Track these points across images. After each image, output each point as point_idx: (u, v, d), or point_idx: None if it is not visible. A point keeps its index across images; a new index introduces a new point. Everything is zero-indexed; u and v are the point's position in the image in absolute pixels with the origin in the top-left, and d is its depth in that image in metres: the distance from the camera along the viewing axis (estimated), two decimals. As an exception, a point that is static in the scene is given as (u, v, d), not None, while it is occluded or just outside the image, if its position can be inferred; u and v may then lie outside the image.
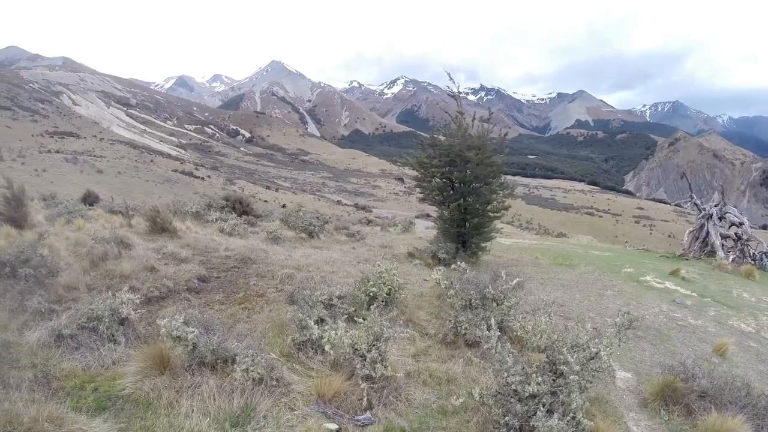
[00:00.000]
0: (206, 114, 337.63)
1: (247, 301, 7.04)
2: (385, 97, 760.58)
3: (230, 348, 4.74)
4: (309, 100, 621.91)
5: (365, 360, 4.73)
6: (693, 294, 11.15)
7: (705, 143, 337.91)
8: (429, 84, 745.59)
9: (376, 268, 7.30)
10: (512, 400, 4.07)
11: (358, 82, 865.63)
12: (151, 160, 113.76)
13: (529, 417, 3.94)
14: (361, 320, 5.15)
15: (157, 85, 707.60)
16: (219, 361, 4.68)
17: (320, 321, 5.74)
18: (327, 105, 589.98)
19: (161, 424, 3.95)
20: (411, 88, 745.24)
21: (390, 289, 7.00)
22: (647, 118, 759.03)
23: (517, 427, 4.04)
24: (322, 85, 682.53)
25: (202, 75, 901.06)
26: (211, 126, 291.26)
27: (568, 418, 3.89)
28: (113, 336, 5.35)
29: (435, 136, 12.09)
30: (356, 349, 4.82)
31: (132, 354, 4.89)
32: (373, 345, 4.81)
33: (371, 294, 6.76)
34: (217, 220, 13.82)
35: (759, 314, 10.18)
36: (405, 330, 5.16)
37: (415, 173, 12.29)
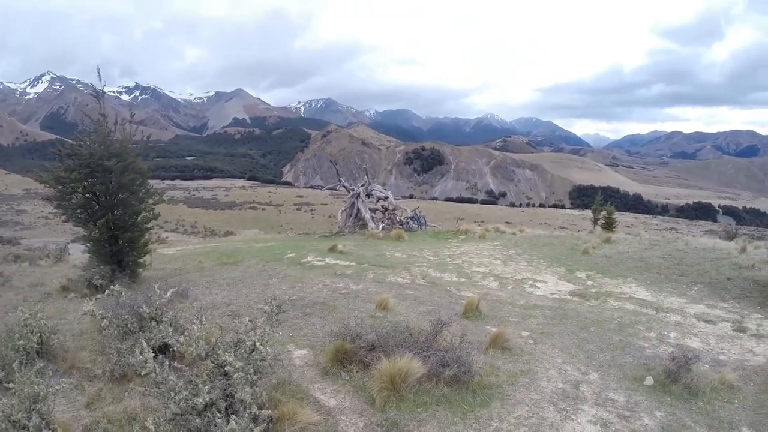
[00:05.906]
0: None
1: None
2: (27, 97, 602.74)
3: None
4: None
5: (28, 431, 3.98)
6: (352, 263, 12.82)
7: (354, 133, 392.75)
8: (78, 81, 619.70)
9: (19, 315, 6.13)
10: (190, 416, 3.98)
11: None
12: None
13: (210, 427, 3.93)
14: (12, 384, 4.29)
15: None
16: None
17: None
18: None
19: None
20: (58, 86, 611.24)
21: (40, 336, 5.95)
22: (302, 114, 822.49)
23: (203, 441, 3.97)
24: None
25: None
26: None
27: (246, 414, 4.01)
28: None
29: (74, 143, 10.52)
30: (14, 421, 4.00)
31: None
32: (32, 409, 4.06)
33: (20, 349, 5.64)
34: None
35: (411, 267, 12.44)
36: (61, 380, 4.48)
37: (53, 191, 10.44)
